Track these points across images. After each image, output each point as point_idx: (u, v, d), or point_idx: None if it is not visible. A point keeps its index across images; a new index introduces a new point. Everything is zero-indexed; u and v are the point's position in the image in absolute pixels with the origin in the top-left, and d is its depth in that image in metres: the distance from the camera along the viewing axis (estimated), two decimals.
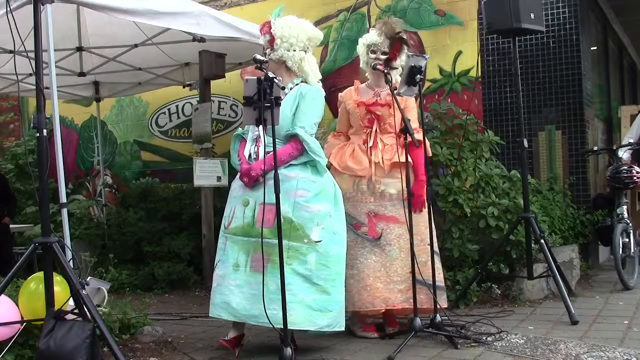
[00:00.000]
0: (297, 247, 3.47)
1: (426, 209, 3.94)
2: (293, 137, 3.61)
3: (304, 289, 3.45)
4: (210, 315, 3.62)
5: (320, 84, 3.82)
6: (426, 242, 3.89)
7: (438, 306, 3.77)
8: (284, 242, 3.34)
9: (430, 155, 4.10)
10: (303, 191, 3.55)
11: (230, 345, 3.62)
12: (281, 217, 3.28)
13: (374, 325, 4.06)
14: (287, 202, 3.47)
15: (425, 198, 3.93)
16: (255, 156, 3.63)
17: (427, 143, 4.08)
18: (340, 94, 4.31)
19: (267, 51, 3.72)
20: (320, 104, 3.73)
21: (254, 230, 3.48)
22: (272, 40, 3.69)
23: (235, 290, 3.49)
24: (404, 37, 4.11)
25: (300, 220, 3.50)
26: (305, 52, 3.74)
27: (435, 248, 3.94)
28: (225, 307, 3.52)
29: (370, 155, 4.03)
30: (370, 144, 4.05)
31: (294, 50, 3.68)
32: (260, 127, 3.36)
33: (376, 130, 4.06)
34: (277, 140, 3.35)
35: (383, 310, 3.95)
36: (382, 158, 4.00)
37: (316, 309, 3.46)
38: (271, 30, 3.69)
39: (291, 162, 3.58)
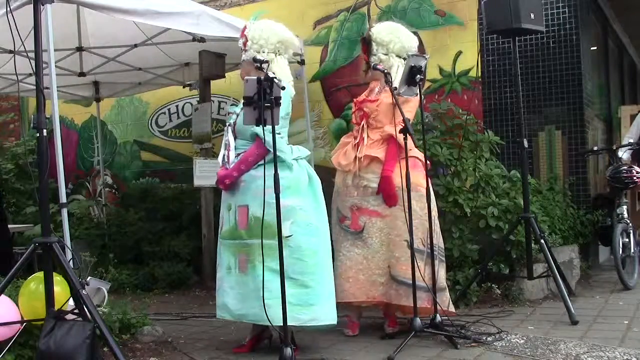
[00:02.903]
0: (270, 245, 3.44)
1: (424, 207, 3.90)
2: (256, 136, 3.61)
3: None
4: (216, 316, 3.78)
5: (290, 84, 3.77)
6: (403, 237, 3.84)
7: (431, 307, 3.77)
8: (259, 241, 3.43)
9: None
10: (272, 189, 3.46)
11: (245, 350, 3.73)
12: (252, 217, 3.52)
13: (357, 324, 4.08)
14: (257, 202, 3.52)
15: (394, 192, 3.90)
16: (226, 160, 3.70)
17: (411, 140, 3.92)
18: None
19: (242, 53, 3.79)
20: (283, 100, 3.54)
21: (236, 233, 3.62)
22: (245, 42, 3.76)
23: (230, 292, 3.64)
24: (366, 36, 4.18)
25: (270, 217, 3.43)
26: (276, 55, 3.76)
27: (417, 245, 3.81)
28: (224, 309, 3.67)
29: (357, 150, 4.07)
30: (357, 140, 4.10)
31: (264, 52, 3.71)
32: (230, 131, 3.64)
33: (363, 127, 4.10)
34: (245, 141, 3.65)
35: (365, 304, 3.99)
36: (364, 153, 4.04)
37: (295, 303, 3.46)
38: (244, 33, 3.77)
39: (260, 162, 3.58)
